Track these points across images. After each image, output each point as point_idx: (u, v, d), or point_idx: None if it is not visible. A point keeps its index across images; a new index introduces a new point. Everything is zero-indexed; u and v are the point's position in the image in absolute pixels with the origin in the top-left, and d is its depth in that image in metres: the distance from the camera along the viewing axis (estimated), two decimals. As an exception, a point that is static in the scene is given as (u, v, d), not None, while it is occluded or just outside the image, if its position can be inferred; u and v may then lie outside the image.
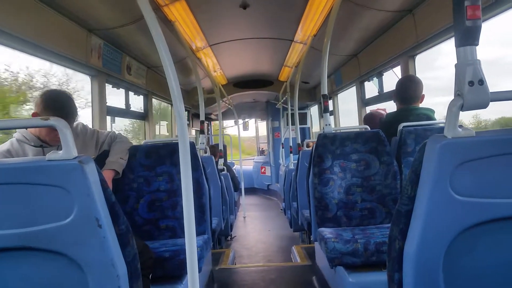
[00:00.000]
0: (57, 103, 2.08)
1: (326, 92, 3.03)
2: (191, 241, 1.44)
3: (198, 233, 2.58)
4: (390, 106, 4.35)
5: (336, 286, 2.52)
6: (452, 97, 1.08)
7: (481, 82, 1.04)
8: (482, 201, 1.04)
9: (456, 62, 1.08)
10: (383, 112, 4.04)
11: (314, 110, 9.01)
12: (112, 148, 2.47)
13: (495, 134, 1.07)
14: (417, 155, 1.11)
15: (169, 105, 6.40)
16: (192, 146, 2.48)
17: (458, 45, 1.07)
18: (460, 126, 1.07)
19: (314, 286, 3.02)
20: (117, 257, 1.18)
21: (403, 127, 2.73)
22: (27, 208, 1.14)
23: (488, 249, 1.06)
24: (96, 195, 1.14)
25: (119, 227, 1.23)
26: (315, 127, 9.36)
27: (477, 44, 1.06)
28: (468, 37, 1.04)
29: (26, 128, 2.06)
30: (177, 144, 1.47)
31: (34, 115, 2.04)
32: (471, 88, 1.04)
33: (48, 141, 2.10)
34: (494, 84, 1.08)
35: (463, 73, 1.05)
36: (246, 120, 11.58)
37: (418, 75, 3.50)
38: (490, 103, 1.06)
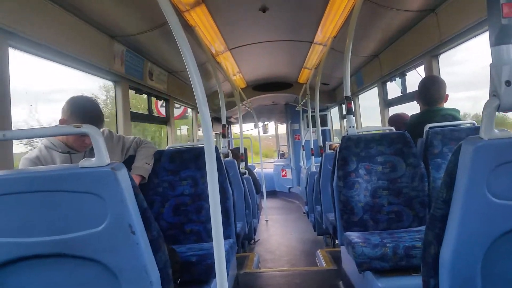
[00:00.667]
0: (85, 110, 2.11)
1: (349, 94, 3.00)
2: (219, 246, 1.44)
3: (224, 238, 2.58)
4: (413, 107, 4.29)
5: None
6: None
7: None
8: None
9: (490, 60, 1.05)
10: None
11: (333, 112, 8.94)
12: (138, 154, 2.50)
13: None
14: (451, 157, 1.08)
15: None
16: (217, 150, 2.49)
17: (493, 44, 1.03)
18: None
19: None
20: (150, 263, 1.19)
21: (429, 128, 2.68)
22: (61, 215, 1.16)
23: None
24: (129, 201, 1.15)
25: (151, 233, 1.24)
26: (335, 128, 9.29)
27: None
28: (504, 36, 1.01)
29: (58, 136, 2.10)
30: (200, 148, 1.48)
31: (61, 121, 2.07)
32: (508, 88, 1.00)
33: (75, 147, 2.13)
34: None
35: (499, 72, 1.02)
36: (266, 123, 11.58)
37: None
38: None
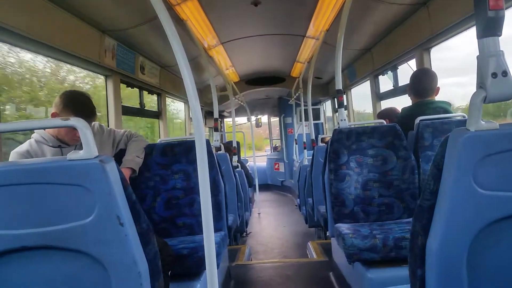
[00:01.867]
0: (77, 103, 2.11)
1: (340, 87, 3.01)
2: (209, 238, 1.44)
3: (215, 230, 2.58)
4: (405, 100, 4.30)
5: (354, 282, 2.50)
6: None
7: (505, 73, 1.01)
8: (507, 194, 1.02)
9: (477, 52, 1.06)
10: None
11: (327, 105, 8.95)
12: (129, 147, 2.49)
13: None
14: (439, 149, 1.09)
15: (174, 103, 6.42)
16: (208, 144, 2.49)
17: (480, 36, 1.04)
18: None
19: (331, 282, 3.01)
20: (139, 255, 1.19)
21: (420, 120, 2.70)
22: (49, 207, 1.15)
23: None
24: (117, 193, 1.15)
25: (140, 225, 1.24)
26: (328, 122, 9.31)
27: (500, 35, 1.03)
28: (490, 28, 1.02)
29: (46, 129, 2.10)
30: (192, 142, 1.48)
31: (53, 115, 2.07)
32: (494, 80, 1.01)
33: (67, 140, 2.13)
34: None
35: (486, 64, 1.02)
36: (259, 116, 11.58)
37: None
38: None
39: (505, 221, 1.03)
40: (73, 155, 1.15)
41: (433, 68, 3.43)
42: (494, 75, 1.01)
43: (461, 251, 1.04)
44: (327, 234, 3.23)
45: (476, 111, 1.02)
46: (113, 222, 1.15)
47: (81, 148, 1.16)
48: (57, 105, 2.08)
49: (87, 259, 1.17)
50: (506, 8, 2.34)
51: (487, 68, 1.02)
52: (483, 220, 1.03)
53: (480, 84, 1.03)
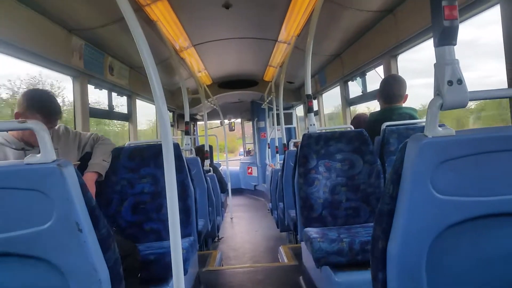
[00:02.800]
0: (41, 102, 2.05)
1: (310, 92, 3.04)
2: (176, 244, 1.42)
3: (184, 235, 2.56)
4: (373, 106, 4.41)
5: (322, 285, 2.52)
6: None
7: (460, 81, 1.05)
8: (463, 199, 1.05)
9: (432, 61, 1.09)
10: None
11: (300, 110, 9.03)
12: (95, 150, 2.43)
13: (475, 133, 1.08)
14: (398, 154, 1.11)
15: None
16: (177, 147, 2.46)
17: (436, 45, 1.07)
18: (442, 125, 1.07)
19: (301, 286, 3.03)
20: (99, 261, 1.16)
21: (386, 126, 2.76)
22: (5, 213, 1.11)
23: (469, 247, 1.07)
24: (75, 199, 1.12)
25: (100, 232, 1.21)
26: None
27: (455, 44, 1.06)
28: (446, 37, 1.05)
29: (2, 131, 2.02)
30: (161, 145, 1.46)
31: (16, 115, 2.01)
32: (450, 87, 1.04)
33: (32, 142, 2.07)
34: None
35: (442, 73, 1.05)
36: (232, 120, 11.55)
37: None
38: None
39: (462, 225, 1.06)
40: (30, 159, 1.12)
41: (401, 70, 3.54)
42: (450, 83, 1.04)
43: (420, 255, 1.06)
44: (298, 238, 3.26)
45: (433, 118, 1.05)
46: (72, 228, 1.12)
47: None
48: (20, 105, 2.02)
49: (46, 266, 1.13)
50: (462, 21, 2.42)
51: (443, 76, 1.05)
52: (441, 224, 1.06)
53: (437, 92, 1.06)
